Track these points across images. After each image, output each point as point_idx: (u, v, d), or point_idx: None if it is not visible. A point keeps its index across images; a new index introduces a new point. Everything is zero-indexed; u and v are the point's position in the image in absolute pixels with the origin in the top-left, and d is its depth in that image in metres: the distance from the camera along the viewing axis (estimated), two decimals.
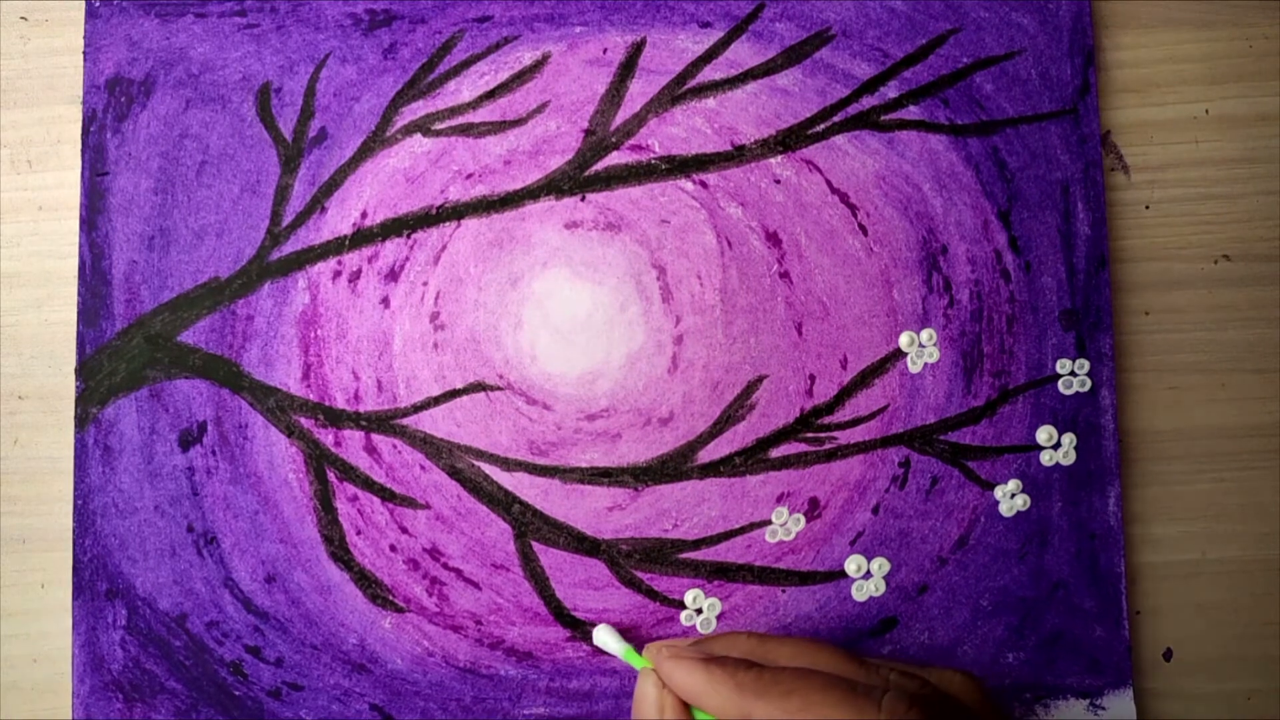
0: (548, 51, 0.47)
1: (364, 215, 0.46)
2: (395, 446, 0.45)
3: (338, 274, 0.46)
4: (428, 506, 0.45)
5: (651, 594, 0.45)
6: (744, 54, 0.47)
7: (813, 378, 0.46)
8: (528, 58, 0.47)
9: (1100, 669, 0.45)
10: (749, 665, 0.39)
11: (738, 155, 0.46)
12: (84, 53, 0.46)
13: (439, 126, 0.46)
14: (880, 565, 0.45)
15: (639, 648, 0.44)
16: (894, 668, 0.39)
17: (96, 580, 0.45)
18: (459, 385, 0.46)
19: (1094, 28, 0.47)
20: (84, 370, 0.45)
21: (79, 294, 0.46)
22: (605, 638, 0.44)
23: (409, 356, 0.46)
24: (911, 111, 0.46)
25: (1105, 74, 0.47)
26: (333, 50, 0.46)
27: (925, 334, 0.46)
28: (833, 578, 0.45)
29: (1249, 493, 0.46)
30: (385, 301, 0.46)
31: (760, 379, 0.46)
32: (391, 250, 0.46)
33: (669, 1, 0.47)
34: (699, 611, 0.45)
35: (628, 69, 0.47)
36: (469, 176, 0.46)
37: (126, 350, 0.45)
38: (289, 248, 0.46)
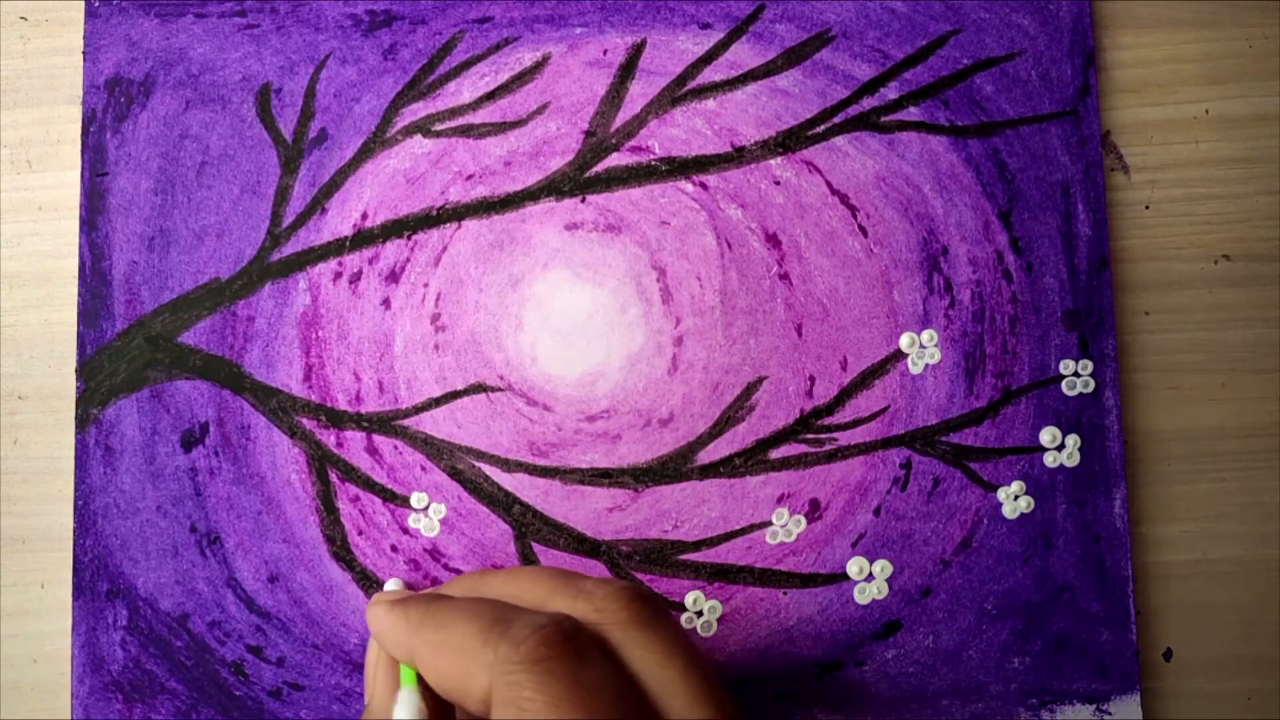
0: (548, 53, 0.47)
1: (364, 216, 0.46)
2: (396, 447, 0.45)
3: (338, 275, 0.46)
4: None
5: None
6: (744, 55, 0.47)
7: (813, 379, 0.46)
8: (528, 59, 0.47)
9: (1107, 673, 0.45)
10: (431, 599, 0.36)
11: (738, 157, 0.46)
12: (84, 53, 0.46)
13: (439, 128, 0.46)
14: (882, 568, 0.45)
15: None
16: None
17: (97, 580, 0.45)
18: (460, 386, 0.46)
19: (1094, 28, 0.47)
20: (84, 371, 0.45)
21: (79, 294, 0.46)
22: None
23: (410, 358, 0.46)
24: (912, 113, 0.46)
25: (1105, 74, 0.47)
26: (333, 51, 0.47)
27: (926, 335, 0.46)
28: (834, 580, 0.45)
29: (1250, 493, 0.46)
30: (386, 303, 0.46)
31: (760, 380, 0.46)
32: (392, 251, 0.46)
33: (669, 3, 0.47)
34: (699, 614, 0.45)
35: (628, 70, 0.47)
36: (469, 178, 0.46)
37: (127, 351, 0.46)
38: (289, 249, 0.46)
